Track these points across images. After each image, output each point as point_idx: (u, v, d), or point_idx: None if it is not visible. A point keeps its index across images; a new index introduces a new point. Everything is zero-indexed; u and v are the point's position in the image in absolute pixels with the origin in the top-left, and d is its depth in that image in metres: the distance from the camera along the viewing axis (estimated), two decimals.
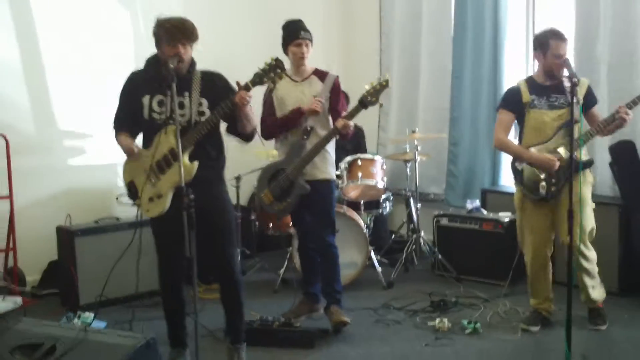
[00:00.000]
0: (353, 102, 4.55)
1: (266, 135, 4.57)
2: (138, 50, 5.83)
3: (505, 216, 5.53)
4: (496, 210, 5.71)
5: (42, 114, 5.49)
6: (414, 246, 6.00)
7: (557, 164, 4.22)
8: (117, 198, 3.98)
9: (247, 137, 3.88)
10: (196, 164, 3.55)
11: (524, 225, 4.49)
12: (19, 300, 4.74)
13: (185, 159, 3.52)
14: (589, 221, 4.30)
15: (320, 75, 4.57)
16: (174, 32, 3.56)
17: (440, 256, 5.74)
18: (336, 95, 4.55)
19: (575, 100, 3.71)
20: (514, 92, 4.50)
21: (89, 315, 4.42)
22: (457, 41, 6.39)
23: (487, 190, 6.12)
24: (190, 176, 3.49)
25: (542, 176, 4.29)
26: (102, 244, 4.98)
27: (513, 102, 4.48)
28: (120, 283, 4.64)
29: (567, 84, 4.17)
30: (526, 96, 4.40)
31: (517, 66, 6.19)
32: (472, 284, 5.46)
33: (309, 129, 4.44)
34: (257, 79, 3.65)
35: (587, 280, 4.35)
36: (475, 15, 6.23)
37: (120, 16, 5.87)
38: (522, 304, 4.83)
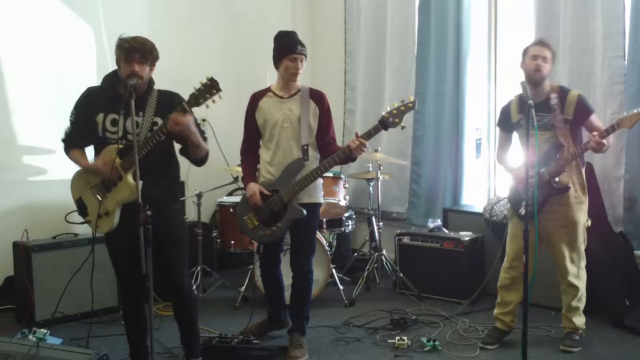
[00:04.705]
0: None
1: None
2: (100, 66, 5.78)
3: (466, 235, 5.58)
4: (457, 230, 5.77)
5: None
6: (375, 264, 6.00)
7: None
8: (65, 217, 3.88)
9: (197, 162, 3.83)
10: (140, 183, 3.41)
11: (509, 234, 4.53)
12: None
13: (129, 177, 3.51)
14: (578, 242, 4.37)
15: (310, 92, 4.36)
16: (131, 51, 3.53)
17: (401, 274, 5.76)
18: (328, 115, 4.40)
19: (532, 122, 3.72)
20: (505, 111, 4.55)
21: (44, 332, 4.35)
22: (420, 60, 6.45)
23: (449, 209, 6.18)
24: (134, 195, 3.38)
25: (524, 195, 4.33)
26: (59, 260, 4.92)
27: (504, 122, 4.55)
28: (78, 299, 4.60)
29: (553, 101, 4.24)
30: (515, 116, 4.43)
31: (479, 85, 6.27)
32: (433, 302, 5.49)
33: (305, 147, 4.27)
34: (193, 100, 3.51)
35: (573, 303, 4.42)
36: (438, 34, 6.30)
37: (83, 31, 5.83)
38: (481, 322, 4.87)
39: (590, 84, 5.32)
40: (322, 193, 4.47)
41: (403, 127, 4.09)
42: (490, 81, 6.23)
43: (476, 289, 5.32)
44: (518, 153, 4.55)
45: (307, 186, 4.21)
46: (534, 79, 4.27)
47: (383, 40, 6.86)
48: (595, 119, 4.32)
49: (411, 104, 4.03)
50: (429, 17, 6.35)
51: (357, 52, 7.17)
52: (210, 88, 3.48)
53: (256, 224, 4.33)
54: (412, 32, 6.58)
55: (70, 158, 3.80)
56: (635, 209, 5.12)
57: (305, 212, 4.22)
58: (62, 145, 3.84)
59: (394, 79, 6.78)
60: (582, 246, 4.41)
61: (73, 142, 3.80)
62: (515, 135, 4.55)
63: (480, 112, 6.29)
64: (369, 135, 4.06)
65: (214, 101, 3.53)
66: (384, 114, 4.05)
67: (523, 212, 4.32)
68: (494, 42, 6.23)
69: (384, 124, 4.03)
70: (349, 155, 4.12)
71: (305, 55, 4.31)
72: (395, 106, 4.03)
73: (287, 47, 4.26)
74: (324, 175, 5.58)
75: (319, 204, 4.45)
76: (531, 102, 3.73)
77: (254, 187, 4.30)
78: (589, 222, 4.43)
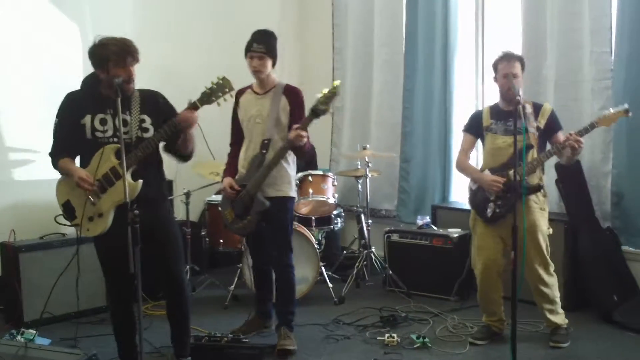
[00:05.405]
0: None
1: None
2: (86, 65, 5.70)
3: (455, 232, 5.58)
4: (446, 226, 5.77)
5: None
6: (365, 262, 5.99)
7: (499, 186, 4.29)
8: (55, 218, 3.83)
9: (185, 158, 3.85)
10: (140, 182, 3.52)
11: (475, 245, 4.55)
12: None
13: (128, 177, 3.48)
14: (541, 247, 4.36)
15: (284, 88, 4.41)
16: (122, 55, 3.52)
17: (391, 272, 5.76)
18: (299, 110, 4.40)
19: (522, 120, 3.77)
20: (477, 116, 4.60)
21: (32, 332, 4.32)
22: (409, 56, 6.45)
23: (438, 206, 6.18)
24: (134, 195, 3.44)
25: (491, 198, 4.36)
26: (47, 260, 4.89)
27: (474, 126, 4.58)
28: (67, 300, 4.56)
29: (527, 110, 4.28)
30: (487, 120, 4.49)
31: (467, 81, 6.29)
32: (422, 299, 5.49)
33: (266, 141, 4.33)
34: (205, 98, 3.60)
35: (546, 305, 4.44)
36: (426, 30, 6.31)
37: (69, 30, 5.79)
38: (470, 318, 4.88)
39: (577, 79, 5.35)
40: (293, 187, 4.48)
41: (332, 113, 4.15)
42: (478, 77, 6.23)
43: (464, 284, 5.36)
44: (482, 158, 4.64)
45: (266, 178, 4.27)
46: (508, 97, 4.34)
47: (371, 36, 6.85)
48: (561, 135, 4.36)
49: (334, 89, 4.07)
50: (417, 13, 6.35)
51: (345, 48, 7.16)
52: (222, 87, 3.61)
53: (233, 217, 4.44)
54: (400, 28, 6.58)
55: (59, 170, 3.72)
56: (623, 205, 5.13)
57: (268, 203, 4.27)
58: (50, 145, 3.76)
59: (382, 75, 6.77)
60: (546, 252, 4.39)
61: (60, 153, 3.72)
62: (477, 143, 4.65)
63: (468, 108, 6.28)
64: (304, 125, 4.14)
65: (225, 100, 3.64)
66: (315, 102, 4.10)
67: (490, 214, 4.35)
68: (482, 37, 6.23)
69: (315, 112, 4.10)
70: (292, 147, 4.20)
71: (265, 53, 4.33)
72: (323, 93, 4.08)
73: (247, 45, 4.36)
74: (312, 173, 5.66)
75: (289, 198, 4.46)
76: (519, 98, 3.78)
77: (225, 182, 4.45)
78: (550, 230, 4.45)
